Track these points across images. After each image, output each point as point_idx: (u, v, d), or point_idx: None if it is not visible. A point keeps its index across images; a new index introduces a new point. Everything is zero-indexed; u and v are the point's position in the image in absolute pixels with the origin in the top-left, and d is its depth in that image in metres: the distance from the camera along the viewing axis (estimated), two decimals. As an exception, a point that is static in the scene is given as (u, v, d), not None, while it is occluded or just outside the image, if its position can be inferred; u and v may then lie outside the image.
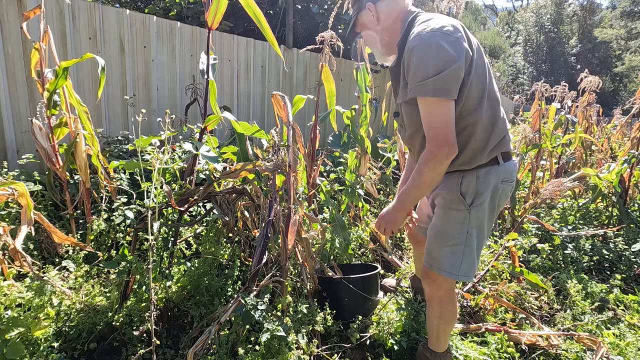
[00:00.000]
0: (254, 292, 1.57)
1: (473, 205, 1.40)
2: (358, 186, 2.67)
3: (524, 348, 1.88)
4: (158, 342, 1.29)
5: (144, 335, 1.61)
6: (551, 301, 2.36)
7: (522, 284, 2.35)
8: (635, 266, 2.95)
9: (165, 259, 1.94)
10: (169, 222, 1.90)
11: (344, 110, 2.70)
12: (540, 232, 3.10)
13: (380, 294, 2.24)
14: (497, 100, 1.38)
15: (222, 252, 2.05)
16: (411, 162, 1.79)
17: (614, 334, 2.05)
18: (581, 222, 3.47)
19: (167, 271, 1.86)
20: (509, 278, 2.44)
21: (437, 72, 1.20)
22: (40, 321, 1.45)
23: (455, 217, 1.43)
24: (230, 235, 2.14)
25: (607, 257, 3.03)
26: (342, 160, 3.75)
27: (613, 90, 23.26)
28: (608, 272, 2.94)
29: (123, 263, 1.61)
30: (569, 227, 3.24)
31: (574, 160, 4.73)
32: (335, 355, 1.73)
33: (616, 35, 24.10)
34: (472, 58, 1.27)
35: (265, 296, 1.54)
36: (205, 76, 1.85)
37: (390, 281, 2.41)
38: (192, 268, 1.90)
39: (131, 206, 2.12)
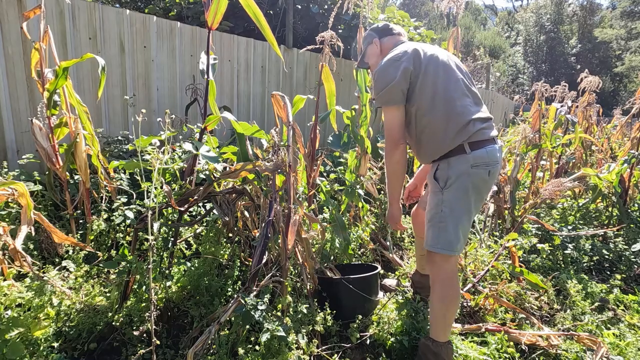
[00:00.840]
0: (254, 292, 1.57)
1: (445, 188, 1.63)
2: (358, 186, 2.67)
3: (524, 348, 1.88)
4: (158, 342, 1.29)
5: (144, 335, 1.61)
6: (551, 301, 2.36)
7: (522, 284, 2.35)
8: (635, 266, 2.95)
9: (165, 259, 1.94)
10: (169, 222, 1.90)
11: (344, 110, 2.70)
12: (540, 232, 3.10)
13: (380, 294, 2.24)
14: (452, 98, 1.64)
15: (222, 252, 2.05)
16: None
17: (614, 334, 2.05)
18: (581, 222, 3.47)
19: (167, 271, 1.86)
20: (509, 278, 2.44)
21: (380, 89, 1.68)
22: (40, 321, 1.45)
23: (434, 199, 1.68)
24: (230, 235, 2.14)
25: (607, 257, 3.03)
26: (342, 160, 3.75)
27: (613, 90, 23.25)
28: (608, 272, 2.94)
29: (123, 263, 1.61)
30: (569, 227, 3.24)
31: (574, 161, 4.73)
32: (335, 355, 1.73)
33: (616, 35, 24.08)
34: (420, 72, 1.64)
35: (265, 296, 1.54)
36: (205, 76, 1.85)
37: (390, 281, 2.41)
38: (192, 268, 1.89)
39: (131, 206, 2.12)
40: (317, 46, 2.37)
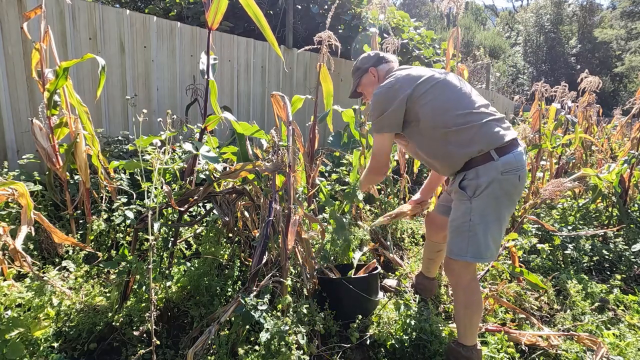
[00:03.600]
0: (254, 292, 1.57)
1: (474, 197, 1.60)
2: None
3: (524, 348, 1.88)
4: (158, 342, 1.29)
5: (144, 335, 1.61)
6: (551, 301, 2.36)
7: (522, 284, 2.35)
8: (635, 266, 2.95)
9: (165, 259, 1.94)
10: (169, 222, 1.90)
11: (343, 109, 2.69)
12: (540, 233, 3.10)
13: (381, 294, 2.24)
14: (465, 107, 1.64)
15: (222, 252, 2.05)
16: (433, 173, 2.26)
17: (614, 334, 2.05)
18: (581, 222, 3.47)
19: (167, 271, 1.86)
20: (509, 278, 2.44)
21: (375, 116, 1.74)
22: (40, 321, 1.45)
23: (461, 208, 1.65)
24: (230, 235, 2.14)
25: (607, 257, 3.03)
26: (344, 161, 3.75)
27: (613, 90, 23.24)
28: (608, 273, 2.94)
29: (123, 263, 1.61)
30: (569, 228, 3.23)
31: (574, 161, 4.73)
32: (336, 355, 1.73)
33: (616, 36, 24.08)
34: (423, 92, 1.66)
35: (265, 296, 1.54)
36: (206, 76, 1.85)
37: (390, 281, 2.41)
38: (192, 268, 1.89)
39: (131, 206, 2.12)
40: (317, 46, 2.37)
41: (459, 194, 1.66)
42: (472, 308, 1.65)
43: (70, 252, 2.05)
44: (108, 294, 1.80)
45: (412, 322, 1.89)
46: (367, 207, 2.93)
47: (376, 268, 2.13)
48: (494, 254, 1.63)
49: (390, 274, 2.60)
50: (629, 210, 3.73)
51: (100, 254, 2.15)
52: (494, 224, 1.60)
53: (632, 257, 3.00)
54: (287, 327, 1.47)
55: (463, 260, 1.61)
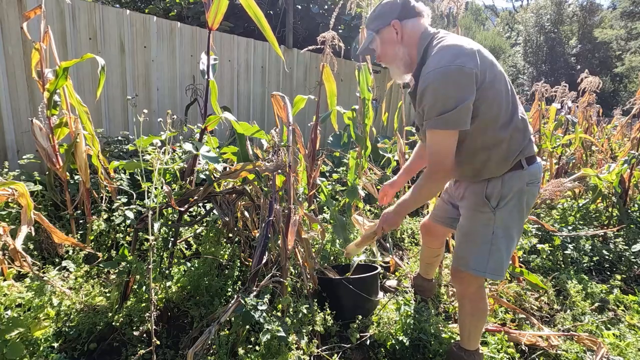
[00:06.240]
0: (254, 293, 1.57)
1: (498, 207, 1.46)
2: (359, 187, 2.67)
3: (524, 348, 1.88)
4: (158, 342, 1.29)
5: (144, 335, 1.61)
6: (551, 301, 2.36)
7: (522, 285, 2.35)
8: (635, 267, 2.95)
9: (165, 259, 1.94)
10: (169, 223, 1.90)
11: (345, 110, 2.70)
12: (540, 233, 3.10)
13: (381, 294, 2.24)
14: (513, 111, 1.41)
15: (222, 252, 2.05)
16: (420, 148, 1.92)
17: (614, 334, 2.05)
18: (581, 222, 3.47)
19: (167, 271, 1.86)
20: (509, 278, 2.44)
21: (448, 109, 1.29)
22: (40, 321, 1.45)
23: (481, 219, 1.49)
24: (230, 235, 2.14)
25: (607, 257, 3.03)
26: (344, 161, 3.75)
27: (613, 90, 23.23)
28: (608, 273, 2.94)
29: (123, 263, 1.61)
30: (569, 228, 3.23)
31: (574, 161, 4.73)
32: (335, 355, 1.73)
33: (616, 36, 24.07)
34: (484, 82, 1.31)
35: (265, 296, 1.53)
36: (206, 76, 1.85)
37: (390, 281, 2.41)
38: (192, 268, 1.89)
39: (131, 206, 2.12)
40: (318, 46, 2.37)
41: (479, 203, 1.49)
42: (477, 315, 1.60)
43: (70, 252, 2.05)
44: (108, 294, 1.80)
45: (412, 322, 1.89)
46: (367, 207, 2.93)
47: (376, 268, 2.13)
48: (506, 270, 1.53)
49: (390, 274, 2.60)
50: (629, 211, 3.73)
51: (100, 254, 2.15)
52: (516, 237, 1.50)
53: (632, 257, 2.99)
54: (287, 327, 1.47)
55: (482, 275, 1.49)
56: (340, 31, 5.63)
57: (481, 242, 1.48)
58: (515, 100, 1.44)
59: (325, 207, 2.72)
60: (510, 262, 2.33)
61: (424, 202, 1.70)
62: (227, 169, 1.81)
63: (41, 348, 1.41)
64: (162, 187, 1.51)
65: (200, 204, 2.45)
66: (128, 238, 2.14)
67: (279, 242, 1.74)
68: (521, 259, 2.79)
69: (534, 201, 1.55)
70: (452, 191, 1.77)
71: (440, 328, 1.88)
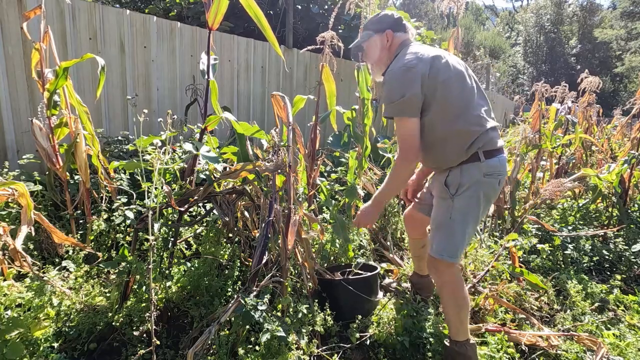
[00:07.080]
0: (254, 293, 1.57)
1: (456, 195, 1.61)
2: (359, 186, 2.67)
3: (524, 349, 1.88)
4: (158, 342, 1.29)
5: (144, 335, 1.61)
6: (551, 302, 2.36)
7: (522, 285, 2.35)
8: (635, 267, 2.95)
9: (165, 259, 1.94)
10: (169, 223, 1.90)
11: (344, 110, 2.70)
12: (540, 233, 3.10)
13: (380, 294, 2.24)
14: (467, 108, 1.60)
15: (222, 252, 2.05)
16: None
17: (614, 334, 2.05)
18: (581, 222, 3.47)
19: (167, 271, 1.86)
20: (509, 278, 2.44)
21: (393, 100, 1.57)
22: (40, 321, 1.45)
23: (442, 205, 1.66)
24: (230, 235, 2.14)
25: (607, 257, 3.03)
26: (343, 160, 3.75)
27: (613, 90, 23.23)
28: (608, 273, 2.94)
29: (123, 263, 1.61)
30: (569, 228, 3.23)
31: (574, 161, 4.73)
32: (335, 355, 1.73)
33: (616, 36, 24.07)
34: (437, 82, 1.54)
35: (265, 296, 1.54)
36: (206, 76, 1.85)
37: (390, 281, 2.41)
38: (192, 268, 1.89)
39: (131, 206, 2.12)
40: (318, 46, 2.36)
41: (441, 190, 1.66)
42: (458, 304, 1.66)
43: (70, 252, 2.05)
44: (108, 294, 1.80)
45: (412, 322, 1.89)
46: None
47: (376, 268, 2.13)
48: (461, 254, 1.68)
49: (390, 274, 2.60)
50: (629, 211, 3.73)
51: (100, 254, 2.15)
52: (471, 224, 1.63)
53: (632, 257, 3.00)
54: (287, 327, 1.47)
55: (441, 258, 1.62)
56: (340, 31, 5.63)
57: (442, 227, 1.65)
58: (471, 99, 1.61)
59: (325, 207, 2.72)
60: (511, 262, 2.34)
61: (399, 188, 1.90)
62: (227, 169, 1.81)
63: (41, 348, 1.41)
64: (162, 187, 1.51)
65: (200, 204, 2.45)
66: (128, 238, 2.14)
67: (279, 242, 1.75)
68: (521, 259, 2.79)
69: (496, 193, 1.68)
70: (430, 182, 1.96)
71: (440, 328, 1.88)
